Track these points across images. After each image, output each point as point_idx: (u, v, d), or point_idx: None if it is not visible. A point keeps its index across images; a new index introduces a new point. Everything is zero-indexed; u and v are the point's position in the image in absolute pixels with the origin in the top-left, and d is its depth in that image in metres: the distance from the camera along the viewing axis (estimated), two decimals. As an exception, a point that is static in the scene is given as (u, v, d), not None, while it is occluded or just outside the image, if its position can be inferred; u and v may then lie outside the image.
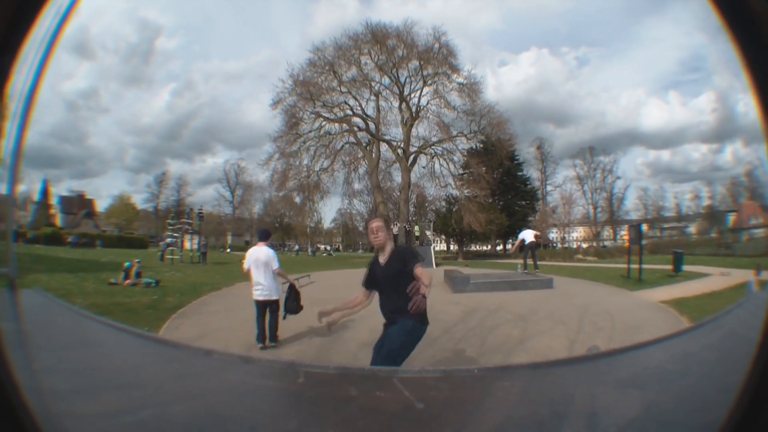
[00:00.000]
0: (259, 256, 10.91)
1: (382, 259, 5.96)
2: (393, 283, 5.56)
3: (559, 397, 1.94)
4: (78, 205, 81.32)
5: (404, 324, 5.35)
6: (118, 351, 2.69)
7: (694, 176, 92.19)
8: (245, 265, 11.10)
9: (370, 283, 6.10)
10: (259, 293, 10.77)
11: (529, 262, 26.64)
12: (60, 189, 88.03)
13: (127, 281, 20.29)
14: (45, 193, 77.63)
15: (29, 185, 71.20)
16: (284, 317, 11.20)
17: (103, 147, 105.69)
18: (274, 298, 10.87)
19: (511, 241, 73.62)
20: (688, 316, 12.56)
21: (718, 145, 76.68)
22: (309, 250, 78.58)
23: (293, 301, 11.36)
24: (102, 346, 2.78)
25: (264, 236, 11.56)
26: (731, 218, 63.63)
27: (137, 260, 21.99)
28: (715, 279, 20.26)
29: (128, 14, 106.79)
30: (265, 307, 10.80)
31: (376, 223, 5.98)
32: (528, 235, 26.26)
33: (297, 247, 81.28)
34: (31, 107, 3.77)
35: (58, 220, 77.65)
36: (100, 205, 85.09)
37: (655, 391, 1.85)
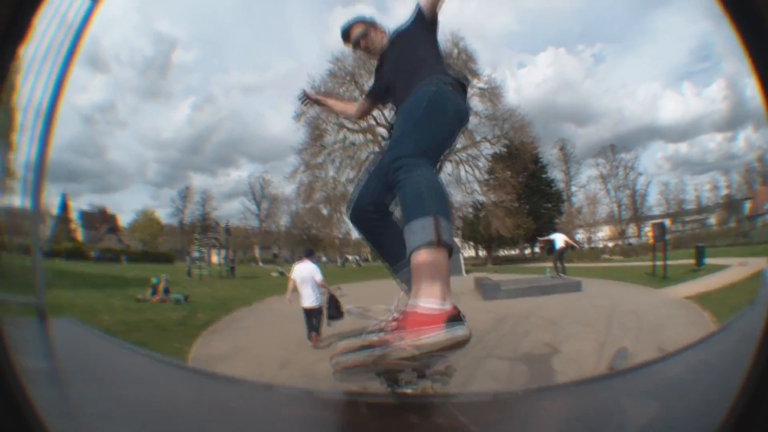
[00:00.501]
0: (304, 270, 12.84)
1: None
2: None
3: (594, 414, 2.04)
4: (99, 219, 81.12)
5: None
6: (151, 381, 2.75)
7: (711, 166, 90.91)
8: (292, 277, 13.04)
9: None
10: (305, 301, 12.61)
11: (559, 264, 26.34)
12: (80, 203, 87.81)
13: (156, 297, 20.20)
14: (64, 207, 76.93)
15: (47, 199, 71.07)
16: (328, 324, 12.78)
17: (123, 161, 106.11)
18: (317, 305, 12.65)
19: (539, 244, 73.41)
20: (710, 311, 12.62)
21: (732, 133, 75.80)
22: (338, 261, 78.46)
23: (335, 309, 12.82)
24: (135, 377, 2.81)
25: (308, 254, 13.73)
26: (747, 205, 63.01)
27: (164, 276, 21.91)
28: (734, 270, 20.17)
29: (141, 27, 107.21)
30: (310, 312, 12.64)
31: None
32: (559, 240, 26.07)
33: (325, 258, 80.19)
34: (51, 125, 3.95)
35: (80, 235, 77.84)
36: (123, 220, 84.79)
37: (674, 402, 1.93)
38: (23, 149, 4.03)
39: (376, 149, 53.01)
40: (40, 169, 3.95)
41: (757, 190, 61.91)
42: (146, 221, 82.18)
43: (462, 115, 3.27)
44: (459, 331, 2.15)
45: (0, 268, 4.53)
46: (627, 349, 9.59)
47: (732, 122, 72.05)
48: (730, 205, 66.76)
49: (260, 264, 64.25)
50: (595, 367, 8.86)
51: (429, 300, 2.27)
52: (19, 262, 4.38)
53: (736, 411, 1.18)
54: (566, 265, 29.02)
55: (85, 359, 3.19)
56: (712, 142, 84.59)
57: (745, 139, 70.53)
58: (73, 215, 79.57)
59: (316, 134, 53.05)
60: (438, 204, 2.57)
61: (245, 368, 10.03)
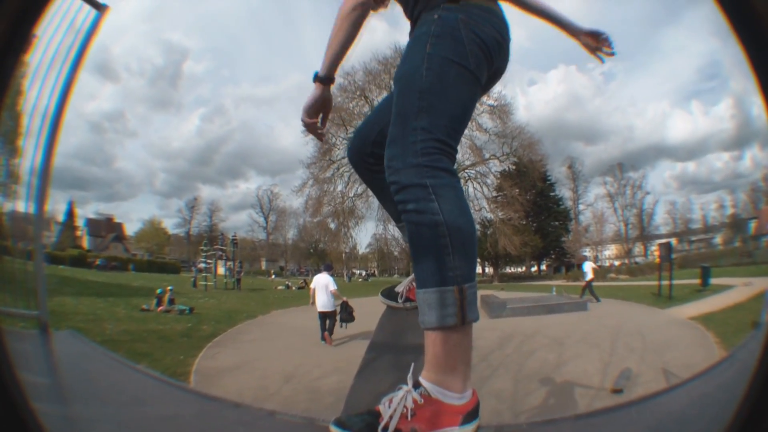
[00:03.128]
0: (321, 280, 15.40)
1: None
2: None
3: None
4: (106, 228, 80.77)
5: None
6: (152, 402, 2.73)
7: (718, 185, 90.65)
8: (311, 286, 16.03)
9: None
10: (321, 306, 15.19)
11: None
12: (86, 211, 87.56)
13: (160, 308, 20.10)
14: (70, 214, 76.55)
15: (53, 205, 70.79)
16: (342, 326, 15.04)
17: (132, 170, 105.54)
18: (330, 310, 15.20)
19: (546, 262, 73.33)
20: (714, 332, 12.65)
21: (738, 152, 75.75)
22: (345, 275, 78.39)
23: (347, 314, 14.96)
24: (135, 397, 2.78)
25: (327, 268, 16.27)
26: (753, 225, 62.93)
27: (170, 287, 21.77)
28: (738, 290, 20.18)
29: (152, 36, 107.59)
30: (325, 316, 15.24)
31: None
32: (588, 270, 25.94)
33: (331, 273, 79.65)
34: (57, 131, 3.98)
35: (85, 242, 77.72)
36: (130, 229, 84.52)
37: None
38: (28, 154, 4.06)
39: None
40: (44, 175, 3.96)
41: (763, 210, 61.74)
42: (153, 231, 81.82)
43: (489, 45, 2.12)
44: (470, 429, 1.79)
45: (3, 273, 4.54)
46: (630, 370, 9.61)
47: (739, 141, 71.94)
48: (736, 224, 66.57)
49: (273, 276, 63.97)
50: (600, 388, 8.86)
51: (449, 394, 1.79)
52: (22, 267, 4.37)
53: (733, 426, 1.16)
54: (573, 283, 28.96)
55: (85, 376, 3.15)
56: (719, 161, 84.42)
57: (752, 158, 70.50)
58: (79, 222, 79.58)
59: (324, 148, 53.00)
60: (464, 259, 1.86)
61: (249, 382, 10.03)
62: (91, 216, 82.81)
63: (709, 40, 77.34)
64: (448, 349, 1.80)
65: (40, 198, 4.02)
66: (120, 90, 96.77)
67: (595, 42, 2.53)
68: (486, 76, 2.15)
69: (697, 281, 24.41)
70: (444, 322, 1.77)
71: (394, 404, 1.79)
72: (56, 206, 73.16)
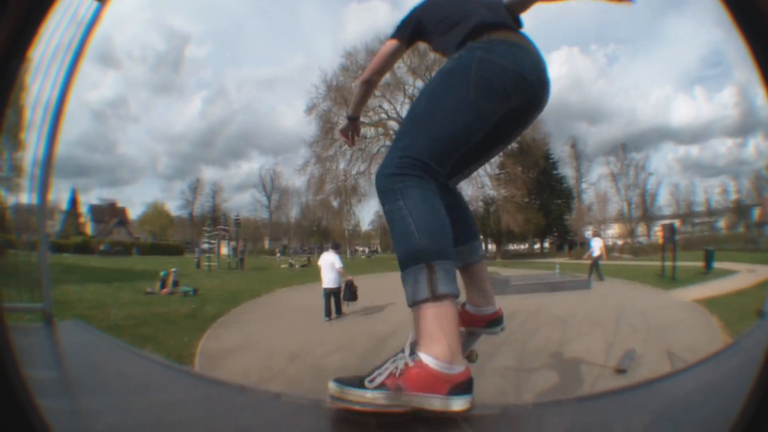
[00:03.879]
0: (327, 258, 15.84)
1: None
2: None
3: (601, 430, 2.03)
4: (109, 213, 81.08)
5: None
6: (157, 388, 2.70)
7: (721, 170, 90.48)
8: (319, 263, 16.31)
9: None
10: (327, 283, 15.59)
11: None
12: (89, 197, 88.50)
13: (164, 290, 20.15)
14: (73, 201, 77.32)
15: (57, 194, 70.90)
16: (346, 304, 16.20)
17: (134, 155, 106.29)
18: (336, 287, 15.71)
19: (549, 240, 73.40)
20: (718, 316, 12.63)
21: (742, 139, 75.46)
22: (348, 252, 78.69)
23: (350, 293, 16.15)
24: (141, 384, 2.79)
25: (334, 246, 16.68)
26: (756, 212, 62.82)
27: (173, 269, 21.76)
28: (742, 276, 20.28)
29: (154, 23, 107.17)
30: (330, 293, 15.61)
31: None
32: (596, 247, 25.73)
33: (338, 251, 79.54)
34: (59, 120, 3.97)
35: (89, 229, 77.78)
36: (133, 213, 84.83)
37: (682, 424, 1.95)
38: (31, 146, 4.04)
39: (388, 143, 53.22)
40: (47, 166, 3.95)
41: (766, 198, 61.63)
42: (156, 214, 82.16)
43: (503, 78, 2.31)
44: (457, 406, 1.89)
45: (8, 267, 4.52)
46: (634, 350, 9.60)
47: (743, 129, 71.70)
48: (739, 210, 66.47)
49: (278, 255, 64.05)
50: (603, 367, 8.87)
51: (436, 361, 1.93)
52: (26, 259, 4.37)
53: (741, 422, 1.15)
54: (576, 261, 28.82)
55: (90, 365, 3.18)
56: (723, 147, 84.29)
57: (755, 146, 70.27)
58: (83, 209, 79.95)
59: (327, 127, 53.39)
60: (431, 241, 2.10)
61: (254, 362, 10.05)
62: (95, 202, 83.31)
63: (712, 30, 76.94)
64: (429, 321, 1.98)
65: (43, 189, 4.01)
66: (122, 77, 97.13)
67: None
68: (502, 107, 2.34)
69: (700, 264, 24.52)
70: (417, 297, 1.99)
71: (387, 364, 2.01)
72: (60, 195, 73.63)
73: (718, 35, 72.06)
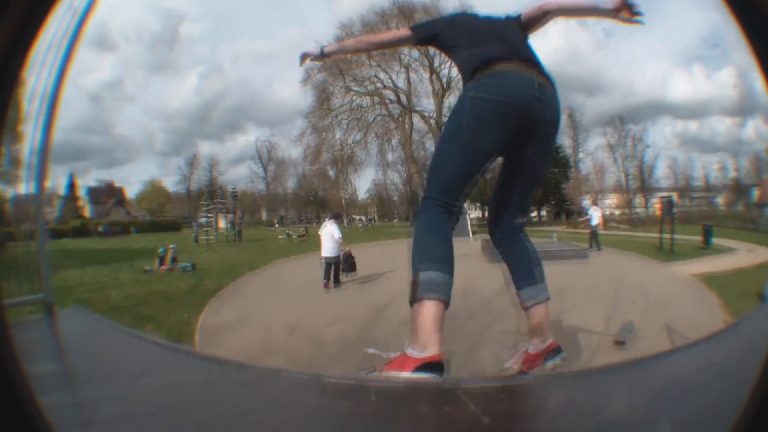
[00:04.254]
0: (327, 228, 16.16)
1: None
2: None
3: (601, 405, 2.01)
4: (107, 194, 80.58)
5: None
6: (158, 371, 2.69)
7: (720, 147, 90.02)
8: (320, 232, 16.65)
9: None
10: (325, 252, 15.81)
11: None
12: (87, 180, 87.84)
13: (163, 267, 20.27)
14: (71, 186, 76.92)
15: (55, 180, 71.14)
16: (344, 275, 16.50)
17: (131, 134, 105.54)
18: (334, 255, 15.89)
19: (545, 209, 73.50)
20: (717, 293, 12.55)
21: (741, 119, 75.20)
22: (345, 221, 78.72)
23: (348, 264, 16.64)
24: (141, 368, 2.78)
25: (335, 216, 17.07)
26: (756, 192, 62.83)
27: (171, 245, 21.90)
28: (742, 255, 20.30)
29: (149, 4, 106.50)
30: (329, 262, 15.85)
31: None
32: (595, 216, 25.62)
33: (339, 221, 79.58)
34: (55, 108, 3.94)
35: (87, 211, 77.77)
36: (131, 192, 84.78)
37: (686, 402, 1.95)
38: (28, 137, 4.02)
39: (384, 112, 53.13)
40: (44, 156, 3.94)
41: (766, 180, 61.60)
42: (153, 191, 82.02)
43: (492, 109, 2.69)
44: (424, 376, 2.34)
45: (8, 260, 4.52)
46: (633, 323, 9.62)
47: (742, 110, 71.34)
48: (739, 188, 66.51)
49: (276, 225, 64.22)
50: (601, 339, 8.89)
51: (412, 348, 2.45)
52: (25, 250, 4.37)
53: (745, 418, 1.13)
54: (573, 230, 28.81)
55: (90, 353, 3.21)
56: (722, 125, 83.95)
57: (755, 128, 70.07)
58: (81, 192, 79.81)
59: (323, 97, 53.27)
60: (421, 255, 2.65)
61: (253, 336, 10.05)
62: (92, 184, 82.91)
63: (710, 12, 76.29)
64: (413, 317, 2.53)
65: (41, 178, 4.00)
66: (118, 59, 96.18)
67: (628, 13, 2.85)
68: (499, 136, 2.78)
69: (698, 239, 24.53)
70: (410, 298, 2.58)
71: (383, 356, 2.64)
72: (58, 180, 73.79)
73: (717, 18, 71.54)
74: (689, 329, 9.11)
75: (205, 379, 2.53)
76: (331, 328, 10.50)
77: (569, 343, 8.65)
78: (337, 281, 16.09)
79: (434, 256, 2.65)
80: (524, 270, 3.18)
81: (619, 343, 8.52)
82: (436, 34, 3.29)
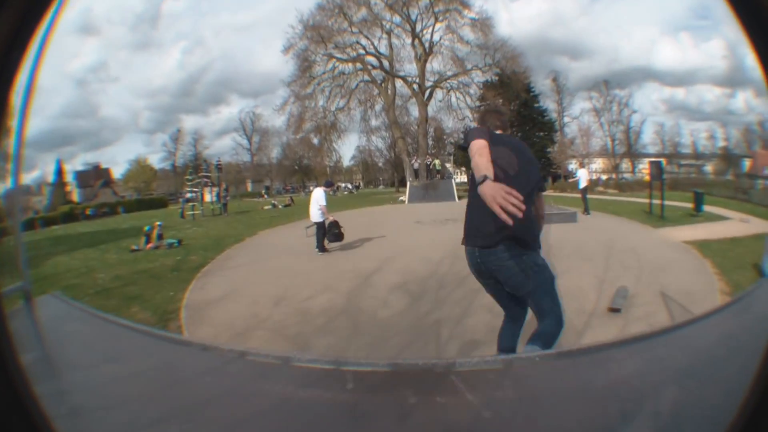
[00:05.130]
0: (314, 194, 16.59)
1: None
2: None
3: (613, 383, 1.90)
4: (94, 176, 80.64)
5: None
6: (140, 356, 2.56)
7: (708, 116, 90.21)
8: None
9: None
10: (311, 217, 16.47)
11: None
12: (75, 165, 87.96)
13: (149, 245, 20.12)
14: (59, 172, 77.20)
15: (43, 169, 71.60)
16: (330, 241, 16.46)
17: (116, 115, 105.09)
18: (318, 221, 16.27)
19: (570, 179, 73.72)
20: (712, 260, 12.34)
21: (731, 90, 75.26)
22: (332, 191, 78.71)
23: (333, 234, 16.32)
24: (109, 355, 2.72)
25: (326, 184, 18.00)
26: (747, 163, 63.05)
27: (158, 222, 21.85)
28: (735, 224, 19.97)
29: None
30: (316, 226, 16.37)
31: None
32: (583, 179, 25.48)
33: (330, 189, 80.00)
34: (29, 102, 3.72)
35: (75, 196, 77.86)
36: (117, 172, 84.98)
37: (695, 380, 1.85)
38: (14, 130, 3.83)
39: (366, 78, 52.89)
40: (19, 145, 3.77)
41: (757, 153, 61.86)
42: (139, 169, 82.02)
43: None
44: None
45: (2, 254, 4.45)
46: (627, 289, 9.45)
47: (731, 81, 71.32)
48: (729, 158, 66.79)
49: (265, 196, 64.21)
50: (596, 305, 8.73)
51: None
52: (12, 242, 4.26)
53: (744, 410, 1.13)
54: (562, 194, 28.83)
55: (59, 341, 3.10)
56: (710, 94, 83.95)
57: (745, 100, 70.15)
58: (69, 178, 79.87)
59: (305, 66, 52.65)
60: None
61: (239, 310, 9.92)
62: (79, 169, 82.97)
63: None
64: None
65: (18, 165, 3.84)
66: (102, 42, 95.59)
67: None
68: None
69: (688, 205, 24.28)
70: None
71: None
72: (46, 168, 73.92)
73: (705, -8, 71.08)
74: (685, 296, 9.06)
75: (167, 365, 2.38)
76: (319, 298, 10.32)
77: (564, 311, 8.50)
78: (322, 248, 16.31)
79: None
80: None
81: (614, 311, 8.32)
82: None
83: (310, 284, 11.54)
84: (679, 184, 44.67)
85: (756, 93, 61.81)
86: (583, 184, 24.83)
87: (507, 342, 4.66)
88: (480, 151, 3.79)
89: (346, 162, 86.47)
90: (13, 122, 3.77)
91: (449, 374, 1.74)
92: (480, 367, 1.90)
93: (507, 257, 4.10)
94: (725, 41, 70.51)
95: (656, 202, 22.85)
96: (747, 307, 2.84)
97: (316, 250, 16.22)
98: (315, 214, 16.26)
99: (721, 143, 69.43)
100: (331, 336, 7.82)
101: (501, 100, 51.67)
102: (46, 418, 1.23)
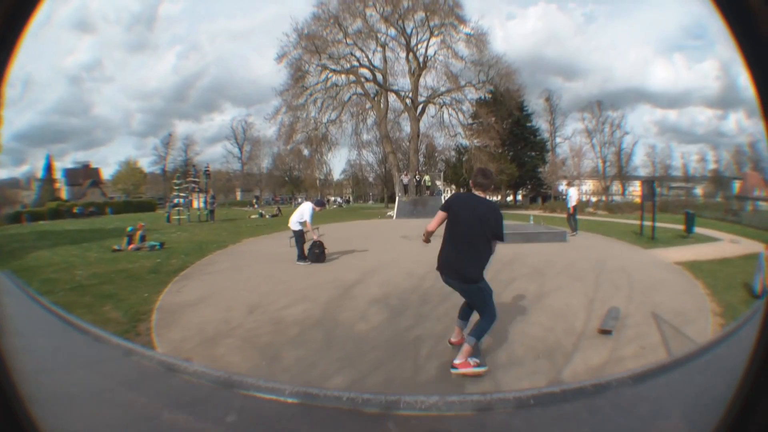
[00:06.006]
0: (301, 207, 16.36)
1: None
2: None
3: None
4: (83, 175, 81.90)
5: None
6: (71, 353, 2.29)
7: (700, 138, 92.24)
8: None
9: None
10: (291, 225, 16.16)
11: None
12: (65, 162, 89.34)
13: (131, 246, 19.98)
14: (49, 168, 78.74)
15: (33, 164, 72.36)
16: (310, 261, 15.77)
17: (109, 115, 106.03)
18: (295, 229, 15.94)
19: (522, 192, 73.92)
20: (703, 282, 12.13)
21: (723, 112, 76.32)
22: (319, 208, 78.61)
23: (314, 255, 15.79)
24: (58, 349, 2.52)
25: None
26: (737, 185, 63.60)
27: (142, 224, 21.82)
28: (725, 245, 19.98)
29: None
30: (294, 236, 16.15)
31: None
32: (573, 198, 25.17)
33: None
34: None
35: (64, 193, 77.98)
36: (107, 173, 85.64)
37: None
38: (9, 122, 3.45)
39: (359, 90, 52.84)
40: None
41: (748, 174, 62.65)
42: (129, 172, 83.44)
43: None
44: None
45: None
46: (619, 309, 9.13)
47: (724, 102, 72.39)
48: (719, 180, 67.40)
49: (256, 206, 64.11)
50: (586, 325, 8.39)
51: None
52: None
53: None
54: (550, 214, 28.69)
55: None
56: (702, 116, 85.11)
57: (736, 122, 70.94)
58: (58, 175, 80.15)
59: (298, 75, 52.76)
60: None
61: (212, 315, 9.59)
62: (69, 166, 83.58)
63: (695, 4, 76.55)
64: None
65: None
66: (97, 40, 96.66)
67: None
68: None
69: (679, 227, 24.19)
70: None
71: None
72: (36, 164, 74.88)
73: (701, 9, 71.75)
74: (676, 317, 8.83)
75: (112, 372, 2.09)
76: (294, 307, 9.99)
77: (552, 332, 8.12)
78: (303, 257, 15.83)
79: None
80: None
81: (605, 332, 7.94)
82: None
83: (287, 293, 11.28)
84: (670, 206, 44.81)
85: (747, 114, 62.56)
86: (572, 203, 24.55)
87: (464, 316, 7.29)
88: (436, 216, 6.65)
89: (337, 175, 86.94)
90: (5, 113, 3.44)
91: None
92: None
93: (462, 284, 6.61)
94: (719, 61, 71.58)
95: (647, 223, 22.75)
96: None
97: (298, 258, 15.79)
98: (294, 223, 15.97)
99: (712, 165, 70.40)
100: (302, 348, 7.47)
101: (494, 118, 51.65)
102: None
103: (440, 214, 6.51)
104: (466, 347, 6.31)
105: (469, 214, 6.37)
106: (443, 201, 7.48)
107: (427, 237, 6.94)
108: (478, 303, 6.66)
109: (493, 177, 7.00)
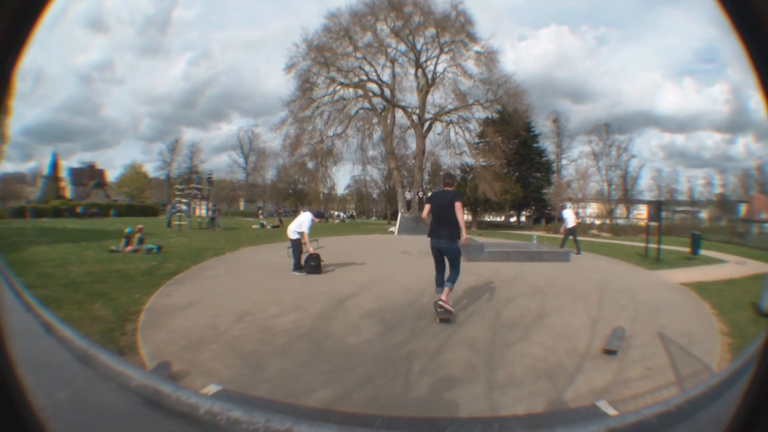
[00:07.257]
0: (301, 217, 16.49)
1: None
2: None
3: None
4: (88, 176, 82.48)
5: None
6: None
7: (706, 163, 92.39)
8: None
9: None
10: (289, 234, 16.30)
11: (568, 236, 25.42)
12: (72, 162, 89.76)
13: (128, 248, 19.92)
14: (55, 166, 79.56)
15: (40, 161, 72.73)
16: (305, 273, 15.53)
17: (117, 117, 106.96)
18: (293, 238, 16.02)
19: (526, 213, 73.78)
20: (710, 302, 11.90)
21: (731, 136, 76.44)
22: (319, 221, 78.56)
23: (310, 267, 15.58)
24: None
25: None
26: (743, 208, 63.53)
27: (141, 226, 21.87)
28: (732, 266, 19.91)
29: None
30: (291, 246, 16.32)
31: None
32: (570, 219, 24.99)
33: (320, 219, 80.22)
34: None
35: (68, 192, 78.24)
36: (112, 175, 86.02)
37: None
38: (18, 114, 3.14)
39: (366, 105, 52.67)
40: None
41: (754, 197, 62.66)
42: (134, 175, 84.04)
43: None
44: None
45: None
46: (624, 329, 8.78)
47: (732, 126, 72.59)
48: (725, 204, 67.43)
49: (261, 216, 63.89)
50: (589, 345, 8.03)
51: None
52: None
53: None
54: (554, 235, 28.52)
55: None
56: (710, 140, 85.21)
57: (745, 145, 70.99)
58: (64, 173, 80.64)
59: (305, 87, 52.47)
60: None
61: (199, 320, 9.35)
62: (75, 166, 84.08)
63: (706, 27, 76.71)
64: None
65: None
66: (110, 40, 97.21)
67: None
68: None
69: (684, 249, 24.12)
70: None
71: None
72: (43, 161, 75.46)
73: (714, 33, 71.92)
74: (684, 338, 8.57)
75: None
76: (284, 317, 9.76)
77: (553, 351, 7.77)
78: (299, 268, 15.71)
79: None
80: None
81: (610, 353, 7.57)
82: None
83: (279, 302, 11.05)
84: (675, 229, 44.65)
85: (756, 137, 62.56)
86: (570, 224, 24.32)
87: (440, 283, 9.77)
88: (425, 208, 10.09)
89: (341, 190, 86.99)
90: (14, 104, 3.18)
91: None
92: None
93: (446, 244, 9.59)
94: (729, 85, 71.74)
95: (652, 245, 22.59)
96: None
97: (294, 268, 15.66)
98: (292, 232, 16.14)
99: (718, 189, 70.29)
100: (288, 358, 7.18)
101: (500, 138, 51.64)
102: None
103: (427, 206, 10.12)
104: (446, 289, 9.54)
105: (441, 200, 9.86)
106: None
107: (426, 221, 10.19)
108: (454, 258, 9.83)
109: (456, 178, 11.94)
